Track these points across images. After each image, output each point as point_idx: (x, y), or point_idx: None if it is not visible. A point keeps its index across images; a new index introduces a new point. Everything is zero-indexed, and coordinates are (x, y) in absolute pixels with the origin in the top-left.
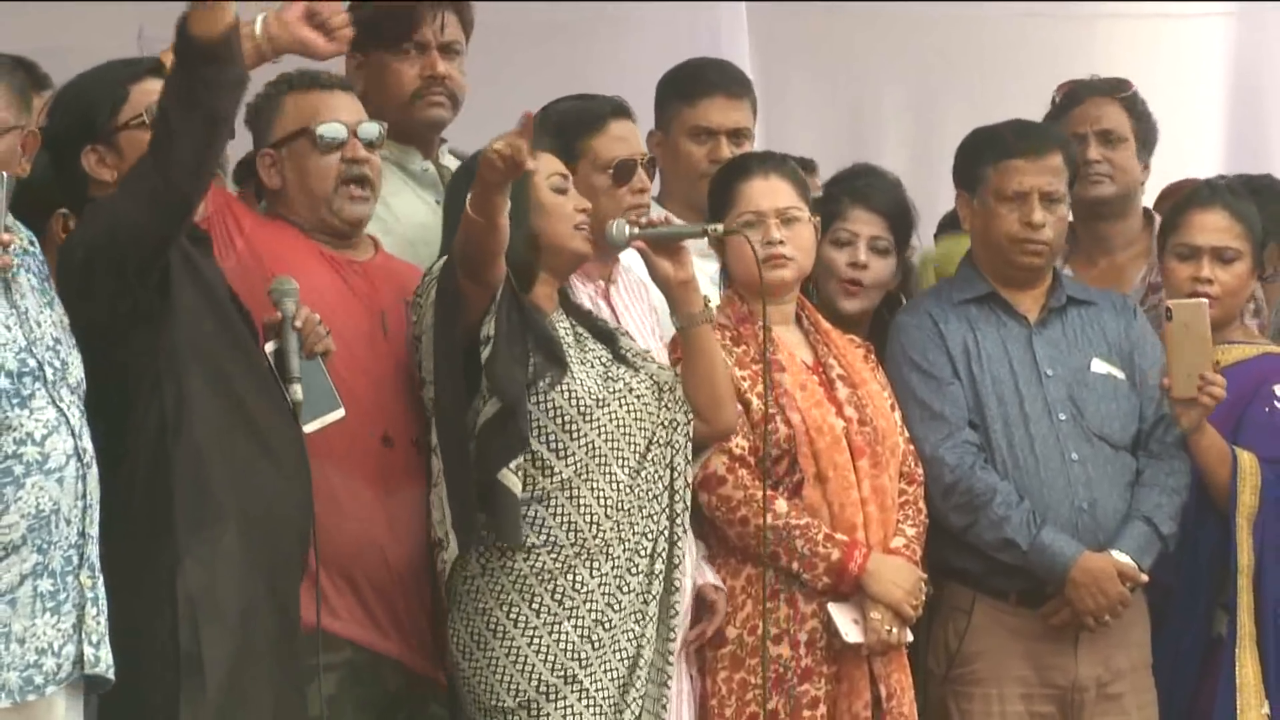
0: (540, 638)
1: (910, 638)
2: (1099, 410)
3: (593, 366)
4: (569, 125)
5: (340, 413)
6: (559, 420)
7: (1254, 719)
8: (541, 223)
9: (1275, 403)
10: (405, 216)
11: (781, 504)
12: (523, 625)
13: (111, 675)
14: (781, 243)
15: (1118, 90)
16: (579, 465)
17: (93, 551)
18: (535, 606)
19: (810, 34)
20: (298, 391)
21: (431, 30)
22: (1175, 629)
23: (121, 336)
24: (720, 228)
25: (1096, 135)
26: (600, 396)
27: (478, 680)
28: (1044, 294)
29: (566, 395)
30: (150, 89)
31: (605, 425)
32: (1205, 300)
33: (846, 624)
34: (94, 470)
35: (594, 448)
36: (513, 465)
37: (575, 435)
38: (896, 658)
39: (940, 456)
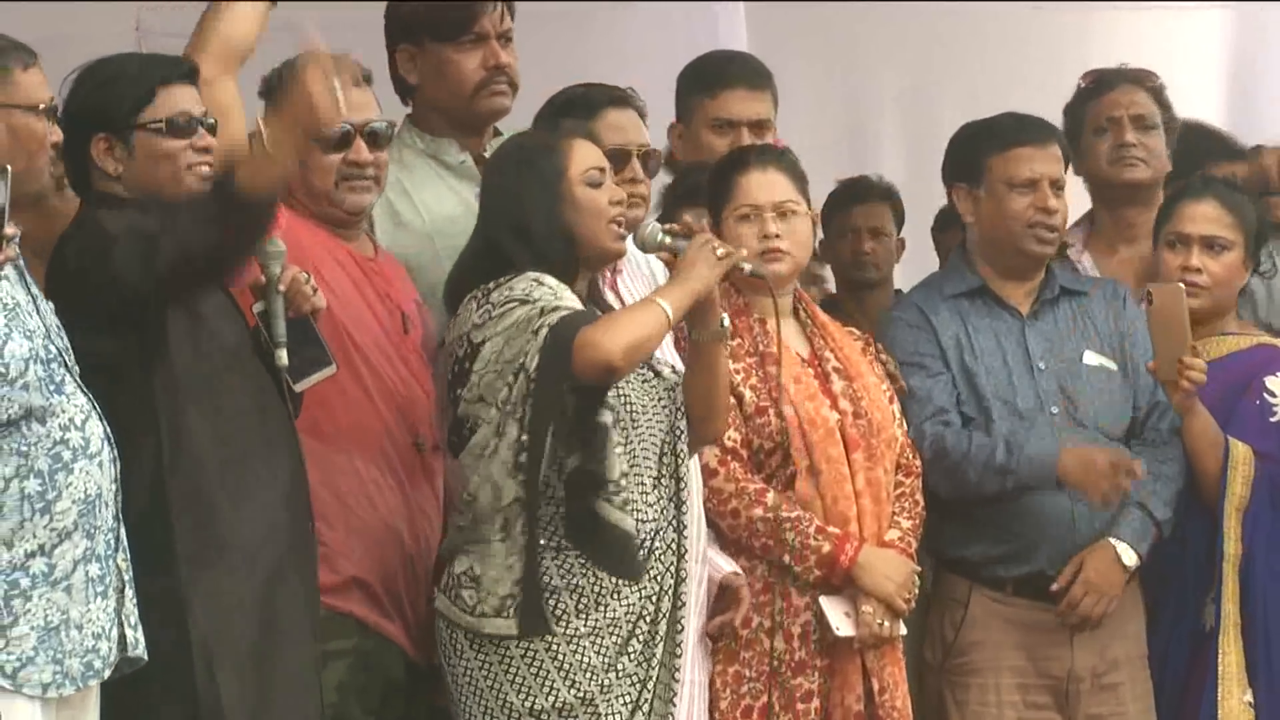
0: (560, 650)
1: (903, 631)
2: (1092, 403)
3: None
4: (566, 112)
5: (331, 369)
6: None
7: (1234, 706)
8: (574, 218)
9: (1265, 395)
10: (429, 209)
11: (773, 496)
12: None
13: (146, 657)
14: (778, 236)
15: (1146, 80)
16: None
17: (123, 534)
18: (557, 613)
19: (808, 27)
20: (283, 356)
21: (490, 20)
22: (1166, 621)
23: (110, 332)
24: (748, 267)
25: (1132, 119)
26: (644, 403)
27: (484, 675)
28: (1036, 286)
29: (621, 400)
30: (179, 95)
31: (644, 434)
32: (1181, 285)
33: (838, 617)
34: (117, 453)
35: (634, 457)
36: (618, 501)
37: (624, 443)
38: (889, 651)
39: (921, 431)
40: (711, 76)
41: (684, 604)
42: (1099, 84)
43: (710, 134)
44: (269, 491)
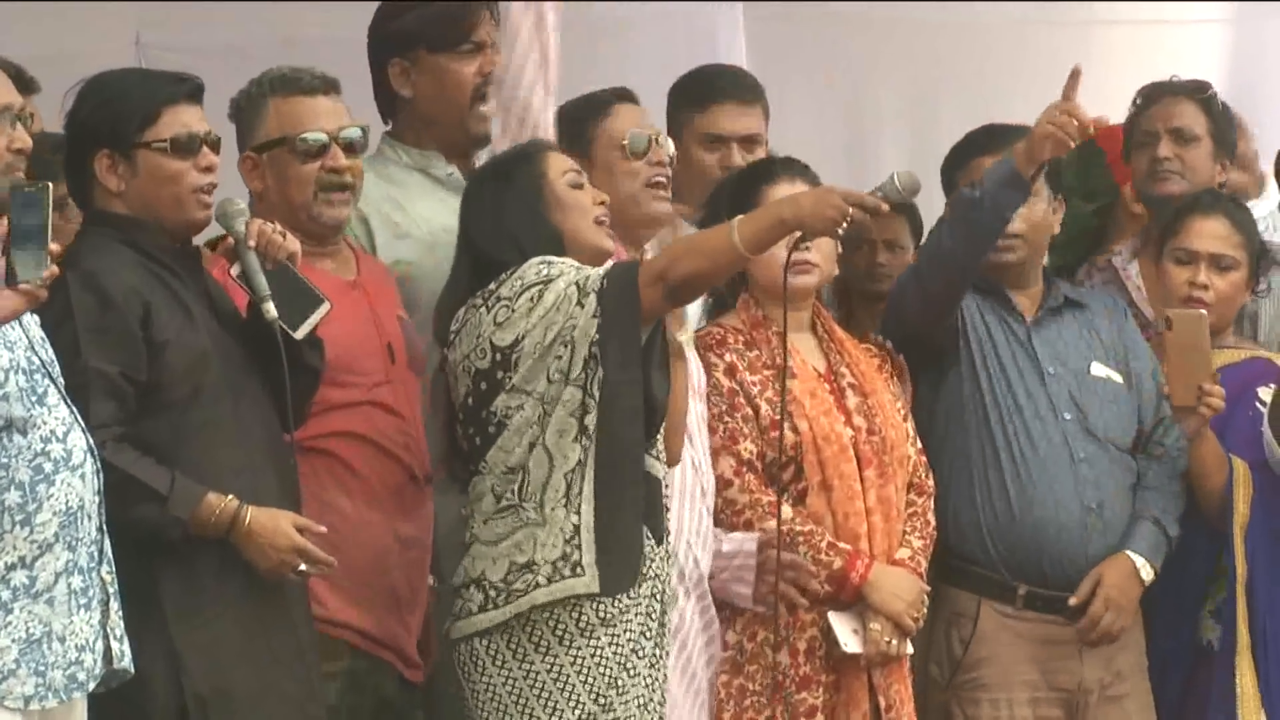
0: (584, 659)
1: (911, 650)
2: (1102, 413)
3: None
4: (577, 115)
5: (326, 306)
6: None
7: None
8: (561, 218)
9: (1258, 405)
10: (425, 220)
11: (786, 510)
12: (568, 643)
13: (133, 669)
14: (806, 248)
15: (1196, 91)
16: None
17: (108, 546)
18: (581, 625)
19: (807, 37)
20: (271, 310)
21: (486, 29)
22: (1162, 635)
23: None
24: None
25: (1169, 133)
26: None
27: (509, 691)
28: (1040, 294)
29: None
30: (184, 114)
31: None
32: (1204, 312)
33: (846, 633)
34: (99, 464)
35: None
36: (654, 452)
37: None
38: (896, 669)
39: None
40: (701, 92)
41: (673, 604)
42: (1148, 98)
43: (700, 149)
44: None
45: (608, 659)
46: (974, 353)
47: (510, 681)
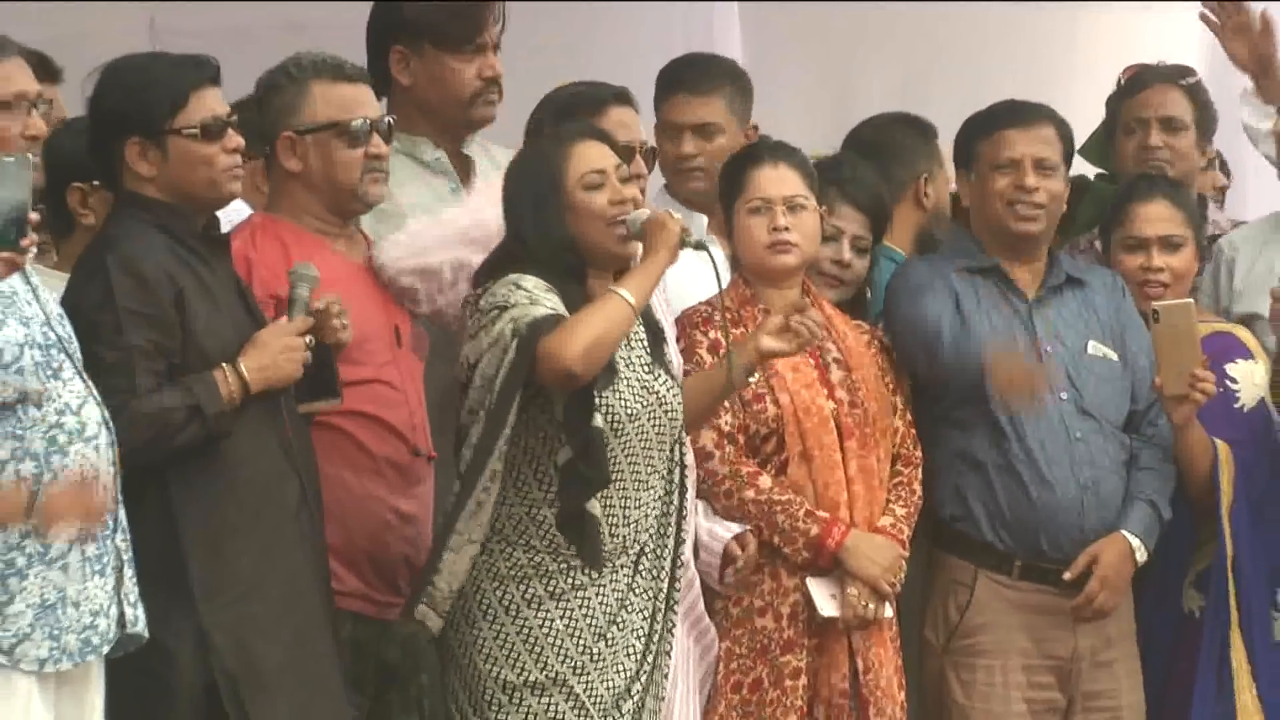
0: (531, 629)
1: (890, 613)
2: (1097, 391)
3: (633, 370)
4: (569, 110)
5: (336, 403)
6: None
7: (1248, 702)
8: (575, 225)
9: (1228, 382)
10: (410, 204)
11: (765, 480)
12: (514, 613)
13: (147, 634)
14: (787, 229)
15: (1181, 77)
16: None
17: (122, 514)
18: (528, 596)
19: (801, 28)
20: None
21: (490, 31)
22: (1147, 606)
23: None
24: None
25: (1159, 121)
26: (633, 410)
27: (461, 651)
28: (1042, 271)
29: (603, 409)
30: (208, 99)
31: (633, 441)
32: (1191, 301)
33: (823, 598)
34: (114, 436)
35: (616, 463)
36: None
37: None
38: (876, 632)
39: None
40: (661, 83)
41: (679, 589)
42: (1133, 82)
43: (662, 139)
44: (279, 508)
45: (558, 632)
46: (961, 317)
47: (462, 644)
